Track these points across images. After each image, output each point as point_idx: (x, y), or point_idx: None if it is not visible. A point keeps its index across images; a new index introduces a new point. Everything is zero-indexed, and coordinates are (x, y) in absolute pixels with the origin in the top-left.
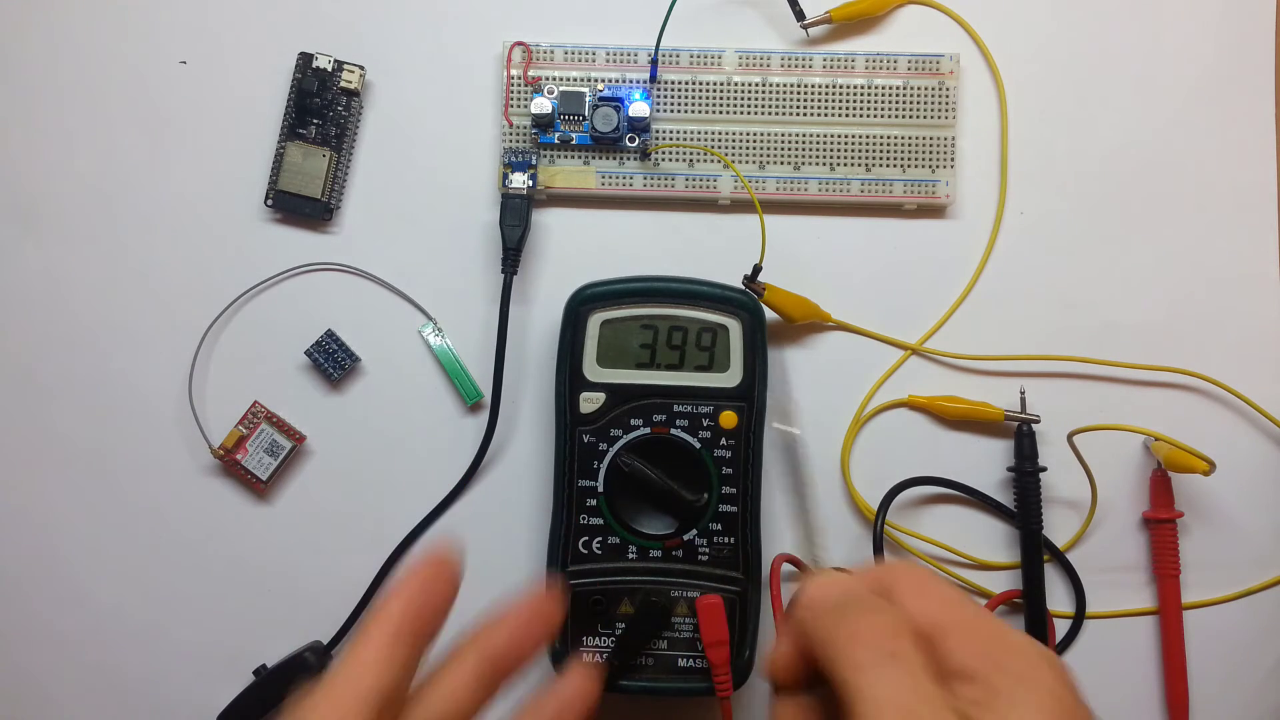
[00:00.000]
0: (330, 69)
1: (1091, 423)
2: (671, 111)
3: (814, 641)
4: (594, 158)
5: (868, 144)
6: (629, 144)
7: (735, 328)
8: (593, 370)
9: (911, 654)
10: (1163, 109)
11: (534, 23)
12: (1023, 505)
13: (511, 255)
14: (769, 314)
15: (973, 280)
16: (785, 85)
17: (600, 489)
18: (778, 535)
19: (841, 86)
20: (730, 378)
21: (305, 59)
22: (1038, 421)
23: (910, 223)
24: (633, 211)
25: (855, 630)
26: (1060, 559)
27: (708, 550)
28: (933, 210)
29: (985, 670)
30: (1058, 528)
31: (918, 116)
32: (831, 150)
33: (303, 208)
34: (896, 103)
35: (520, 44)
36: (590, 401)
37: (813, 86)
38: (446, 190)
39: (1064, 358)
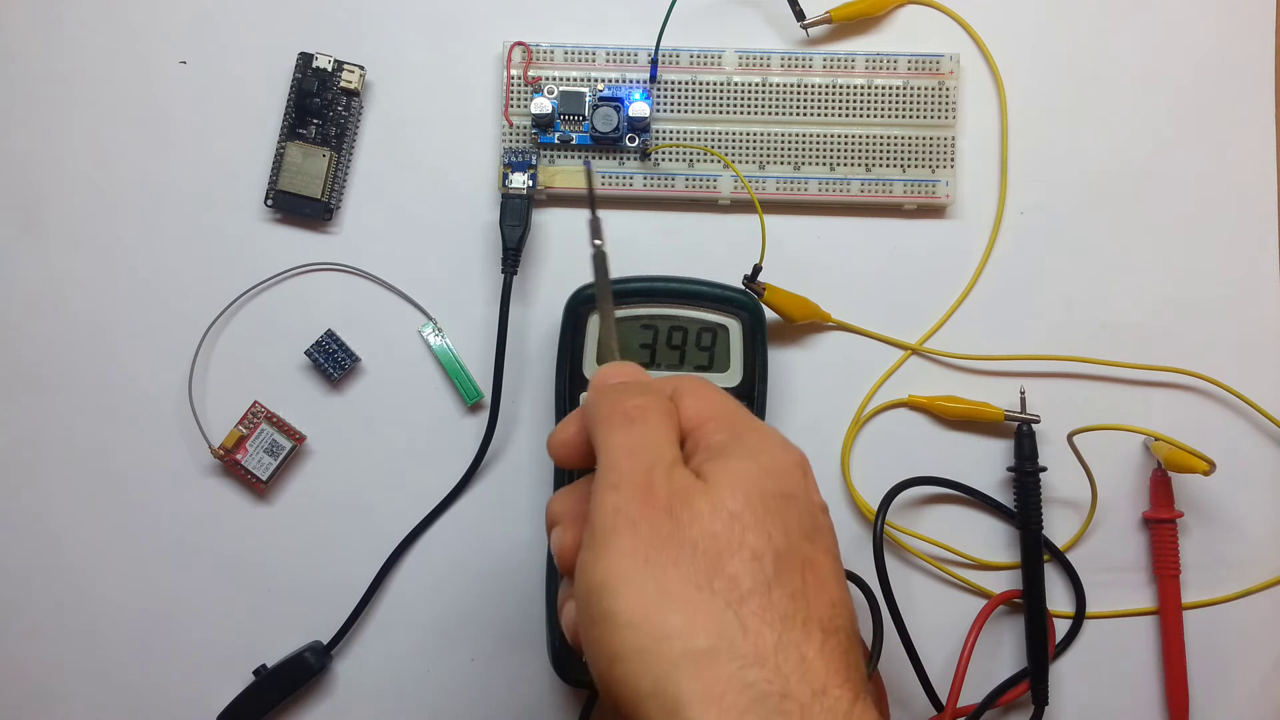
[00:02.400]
0: (330, 69)
1: (1091, 423)
2: (671, 111)
3: (588, 417)
4: (594, 158)
5: (868, 144)
6: (629, 144)
7: (735, 328)
8: (593, 370)
9: (659, 421)
10: (1163, 109)
11: (534, 23)
12: (1023, 505)
13: (511, 255)
14: (769, 314)
15: (973, 280)
16: (785, 85)
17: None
18: None
19: (841, 86)
20: (730, 378)
21: (305, 59)
22: (1038, 421)
23: (910, 223)
24: (633, 211)
25: (617, 401)
26: (1060, 559)
27: None
28: (933, 210)
29: (725, 441)
30: (1058, 528)
31: (918, 116)
32: (831, 150)
33: (303, 208)
34: (896, 103)
35: (520, 44)
36: None
37: (813, 86)
38: (446, 190)
39: (1064, 358)
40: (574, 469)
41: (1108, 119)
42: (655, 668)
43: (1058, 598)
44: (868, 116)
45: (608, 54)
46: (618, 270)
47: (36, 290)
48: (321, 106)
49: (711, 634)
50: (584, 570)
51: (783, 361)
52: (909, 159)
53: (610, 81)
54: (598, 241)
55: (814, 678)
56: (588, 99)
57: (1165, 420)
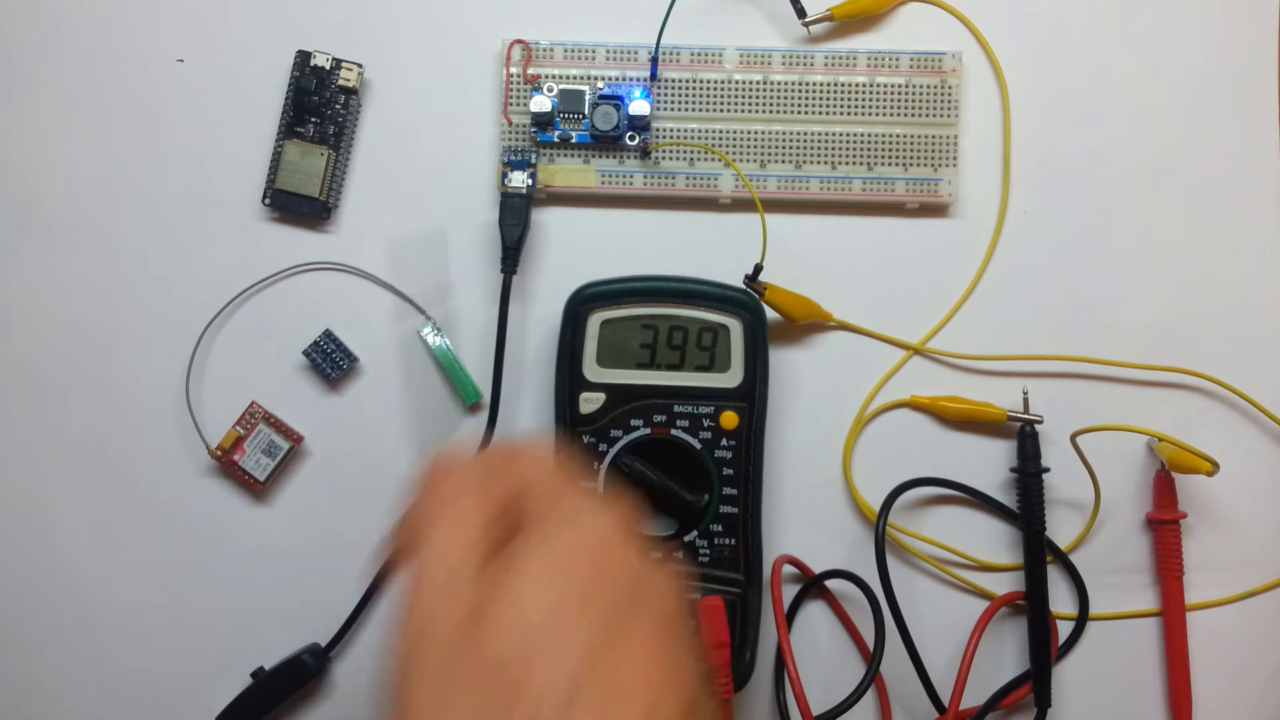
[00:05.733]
0: (328, 67)
1: (1095, 423)
2: (672, 110)
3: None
4: (594, 156)
5: (869, 142)
6: (629, 142)
7: (736, 327)
8: (593, 370)
9: (470, 509)
10: (1165, 108)
11: (533, 20)
12: (1025, 506)
13: (511, 255)
14: (770, 314)
15: (975, 280)
16: (786, 83)
17: (600, 490)
18: (779, 536)
19: (843, 85)
20: (731, 378)
21: (303, 57)
22: (1040, 422)
23: (912, 222)
24: (633, 210)
25: (434, 490)
26: (1063, 560)
27: (708, 551)
28: (935, 209)
29: (543, 516)
30: (1060, 529)
31: (920, 115)
32: (833, 149)
33: (301, 207)
34: (898, 101)
35: (520, 42)
36: (590, 402)
37: (814, 84)
38: (445, 189)
39: (1067, 358)
40: None
41: (1111, 118)
42: None
43: (1060, 599)
44: (870, 115)
45: (608, 52)
46: (618, 270)
47: (32, 289)
48: (319, 105)
49: None
50: (389, 706)
51: (784, 361)
52: (911, 157)
53: (610, 79)
54: None
55: None
56: (587, 97)
57: (1169, 421)
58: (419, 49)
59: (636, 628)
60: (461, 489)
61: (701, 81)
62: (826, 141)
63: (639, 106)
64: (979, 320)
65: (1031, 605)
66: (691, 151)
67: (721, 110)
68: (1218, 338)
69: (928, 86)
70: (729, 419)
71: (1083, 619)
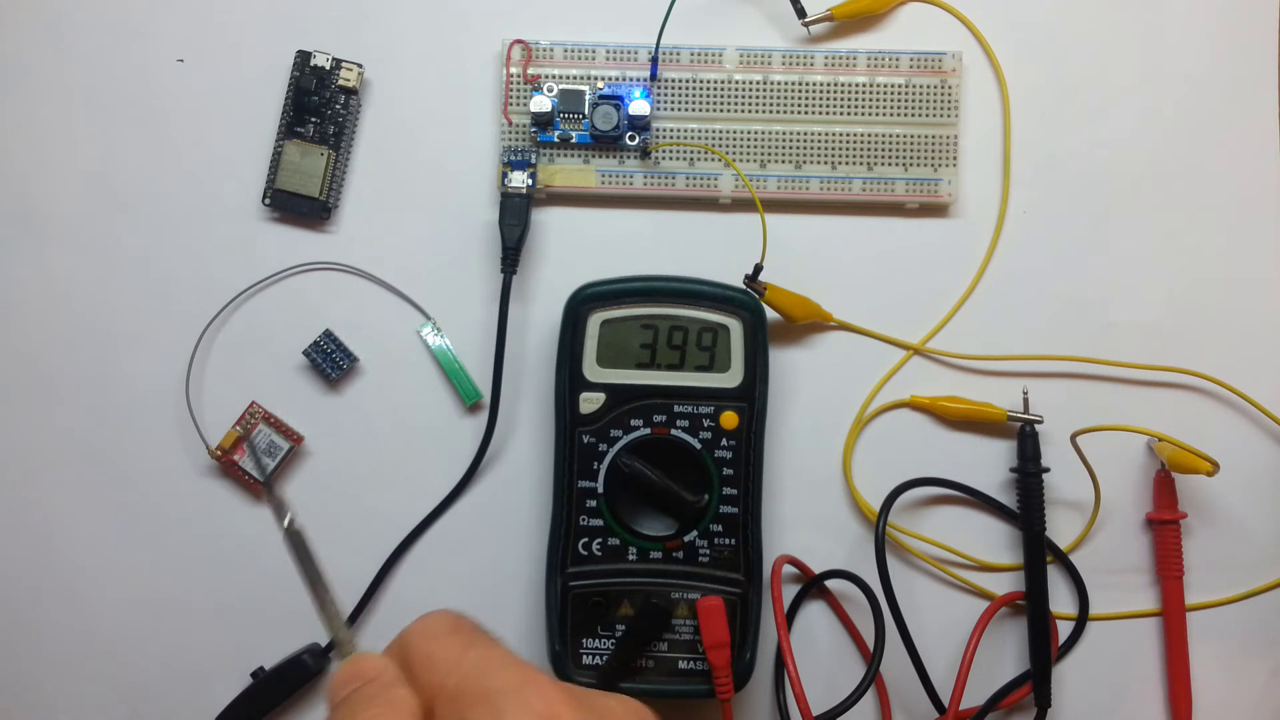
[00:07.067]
0: (328, 67)
1: (1095, 423)
2: (672, 110)
3: None
4: (594, 156)
5: (869, 142)
6: (629, 142)
7: (736, 327)
8: (593, 370)
9: None
10: (1165, 107)
11: (533, 20)
12: (1025, 506)
13: (511, 255)
14: (770, 314)
15: (975, 280)
16: (786, 83)
17: (600, 490)
18: (779, 536)
19: (843, 85)
20: (731, 378)
21: (303, 57)
22: (1040, 422)
23: (912, 222)
24: (633, 210)
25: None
26: (1063, 560)
27: (708, 551)
28: (935, 209)
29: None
30: (1060, 529)
31: (920, 115)
32: (833, 149)
33: (301, 207)
34: (899, 101)
35: (520, 42)
36: (590, 402)
37: (814, 85)
38: (445, 189)
39: (1067, 358)
40: None
41: (1111, 117)
42: None
43: (1060, 599)
44: (870, 115)
45: (608, 52)
46: (618, 270)
47: (32, 289)
48: (319, 105)
49: None
50: None
51: (784, 361)
52: (911, 157)
53: (610, 79)
54: (290, 518)
55: None
56: (587, 97)
57: (1169, 420)
58: (419, 49)
59: None
60: (381, 707)
61: (701, 81)
62: (826, 141)
63: (639, 106)
64: (979, 320)
65: (1031, 605)
66: (691, 151)
67: (721, 110)
68: (1218, 338)
69: (928, 86)
70: (729, 419)
71: (1083, 619)
